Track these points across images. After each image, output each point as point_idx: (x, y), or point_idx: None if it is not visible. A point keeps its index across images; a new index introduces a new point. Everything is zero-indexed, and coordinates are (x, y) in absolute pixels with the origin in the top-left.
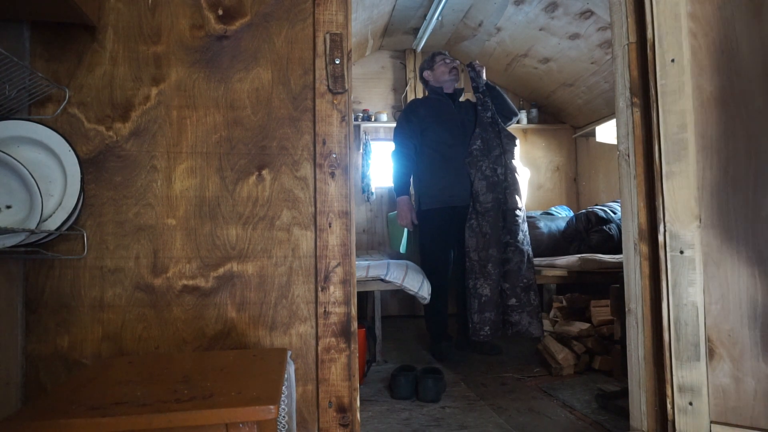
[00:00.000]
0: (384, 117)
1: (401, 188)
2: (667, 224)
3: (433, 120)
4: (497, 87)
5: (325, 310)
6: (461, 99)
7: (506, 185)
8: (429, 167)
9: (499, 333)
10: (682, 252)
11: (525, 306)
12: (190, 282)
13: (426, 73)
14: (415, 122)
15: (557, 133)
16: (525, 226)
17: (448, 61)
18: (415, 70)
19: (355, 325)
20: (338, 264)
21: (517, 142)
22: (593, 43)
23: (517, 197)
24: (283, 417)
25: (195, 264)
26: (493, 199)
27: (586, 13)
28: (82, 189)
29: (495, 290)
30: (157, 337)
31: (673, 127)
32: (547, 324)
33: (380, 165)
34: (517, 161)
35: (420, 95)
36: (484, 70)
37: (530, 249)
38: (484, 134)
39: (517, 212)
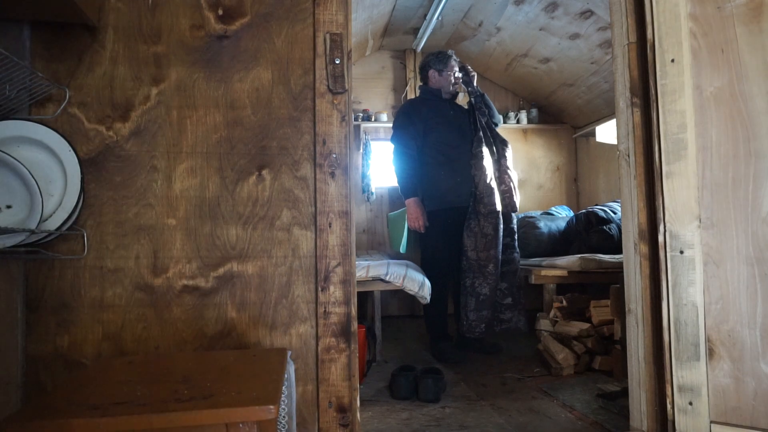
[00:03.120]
0: (384, 117)
1: (409, 190)
2: (667, 224)
3: (435, 121)
4: (485, 94)
5: (325, 310)
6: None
7: (504, 188)
8: (433, 168)
9: (491, 330)
10: (682, 252)
11: (518, 305)
12: (190, 282)
13: (431, 72)
14: (417, 123)
15: (557, 133)
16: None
17: (457, 75)
18: (415, 70)
19: (355, 325)
20: (338, 264)
21: (509, 146)
22: (593, 43)
23: (515, 200)
24: (283, 417)
25: (195, 264)
26: (496, 202)
27: (586, 13)
28: (82, 189)
29: (493, 290)
30: (157, 337)
31: (673, 127)
32: (547, 324)
33: (380, 165)
34: (510, 165)
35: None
36: (476, 78)
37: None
38: (484, 138)
39: (513, 214)
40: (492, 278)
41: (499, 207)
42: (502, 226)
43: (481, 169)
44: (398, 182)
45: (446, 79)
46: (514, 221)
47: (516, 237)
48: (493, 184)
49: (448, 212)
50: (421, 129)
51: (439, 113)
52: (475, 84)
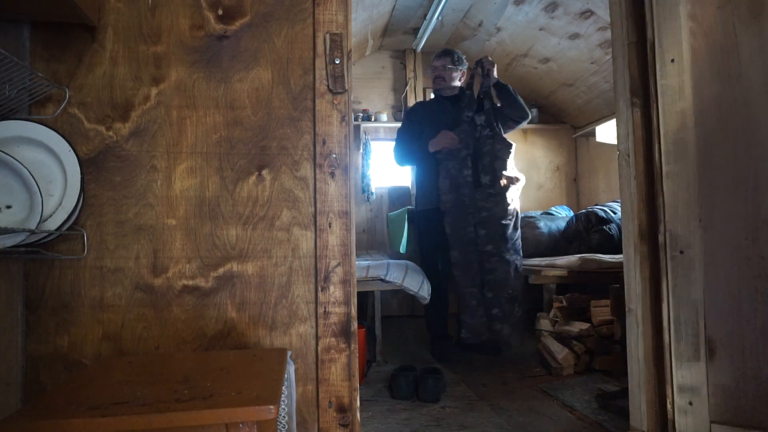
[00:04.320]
0: (384, 117)
1: (416, 149)
2: (667, 224)
3: (427, 123)
4: (509, 86)
5: (325, 310)
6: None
7: (492, 192)
8: (424, 169)
9: (479, 338)
10: (682, 252)
11: (508, 317)
12: (190, 282)
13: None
14: (415, 123)
15: (557, 133)
16: (516, 235)
17: (432, 69)
18: (414, 70)
19: (355, 325)
20: (338, 264)
21: (513, 149)
22: (593, 43)
23: (506, 206)
24: (283, 417)
25: (195, 264)
26: (454, 200)
27: (586, 13)
28: (82, 189)
29: (479, 298)
30: (157, 337)
31: (673, 127)
32: (547, 324)
33: (380, 165)
34: (512, 169)
35: (420, 94)
36: (495, 69)
37: (520, 258)
38: (487, 138)
39: (504, 221)
40: (475, 287)
41: (483, 213)
42: (484, 231)
43: (460, 171)
44: (412, 157)
45: (431, 78)
46: (507, 228)
47: (507, 245)
48: (456, 183)
49: (436, 212)
50: (417, 131)
51: (433, 114)
52: (494, 76)
